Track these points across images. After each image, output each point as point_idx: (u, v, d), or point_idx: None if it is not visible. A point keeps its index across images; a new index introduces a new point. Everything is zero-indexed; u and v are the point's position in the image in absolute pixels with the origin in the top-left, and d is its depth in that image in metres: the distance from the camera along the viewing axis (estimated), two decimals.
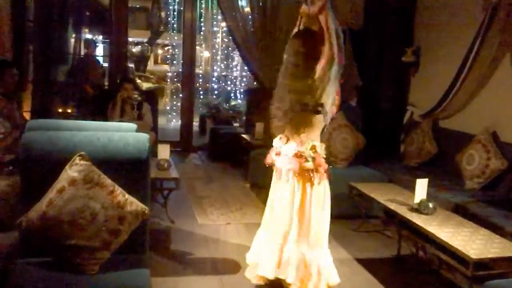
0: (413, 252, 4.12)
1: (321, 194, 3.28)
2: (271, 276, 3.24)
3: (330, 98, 3.25)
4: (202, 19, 11.45)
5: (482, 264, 3.08)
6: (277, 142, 3.48)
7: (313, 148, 3.24)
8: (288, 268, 3.21)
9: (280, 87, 3.40)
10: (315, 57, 3.23)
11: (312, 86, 3.22)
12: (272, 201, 3.48)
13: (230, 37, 8.92)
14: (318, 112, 3.24)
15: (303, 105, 3.24)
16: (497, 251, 3.10)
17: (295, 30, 3.49)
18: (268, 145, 5.41)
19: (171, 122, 11.59)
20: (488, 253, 3.07)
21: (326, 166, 3.29)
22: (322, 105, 3.23)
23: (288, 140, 3.37)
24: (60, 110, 7.44)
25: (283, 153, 3.35)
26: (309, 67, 3.24)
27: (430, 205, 3.74)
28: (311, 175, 3.25)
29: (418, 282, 3.77)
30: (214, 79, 12.03)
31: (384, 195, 4.27)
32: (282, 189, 3.34)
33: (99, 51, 11.09)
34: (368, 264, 3.92)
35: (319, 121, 3.29)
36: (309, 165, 3.23)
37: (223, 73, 12.02)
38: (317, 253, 3.26)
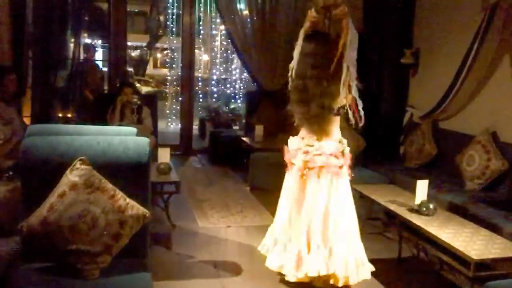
0: (414, 254, 4.12)
1: (349, 187, 3.49)
2: (324, 272, 3.33)
3: (358, 101, 3.48)
4: (201, 23, 11.45)
5: (483, 264, 3.08)
6: (297, 142, 3.56)
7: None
8: (336, 262, 3.35)
9: (298, 91, 3.49)
10: (331, 58, 3.34)
11: (332, 88, 3.36)
12: (296, 200, 3.52)
13: (229, 40, 8.92)
14: (339, 114, 3.47)
15: (328, 109, 3.41)
16: (498, 252, 3.10)
17: (303, 34, 3.52)
18: (268, 148, 5.47)
19: (171, 126, 11.60)
20: (489, 254, 3.07)
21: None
22: (344, 106, 3.44)
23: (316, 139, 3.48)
24: (60, 115, 7.44)
25: (316, 152, 3.43)
26: (327, 67, 3.35)
27: (431, 206, 3.74)
28: (342, 170, 3.45)
29: (419, 283, 3.77)
30: (213, 82, 12.03)
31: (385, 197, 4.27)
32: (314, 186, 3.42)
33: (99, 55, 11.10)
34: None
35: (338, 121, 3.52)
36: (341, 161, 3.45)
37: (222, 76, 12.02)
38: (356, 244, 3.49)
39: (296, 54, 3.58)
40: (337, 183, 3.44)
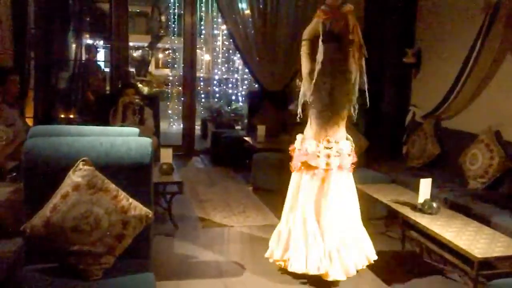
0: (417, 253, 4.11)
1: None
2: (360, 265, 3.61)
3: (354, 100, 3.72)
4: (202, 23, 11.46)
5: (486, 263, 3.08)
6: (313, 145, 3.64)
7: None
8: (367, 251, 3.66)
9: (321, 90, 3.63)
10: (349, 59, 3.62)
11: (350, 85, 3.63)
12: (316, 201, 3.62)
13: (231, 40, 8.93)
14: (350, 111, 3.71)
15: (343, 105, 3.67)
16: (501, 250, 3.10)
17: (319, 35, 3.65)
18: (270, 148, 5.47)
19: (173, 126, 11.60)
20: (492, 252, 3.06)
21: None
22: (353, 105, 3.71)
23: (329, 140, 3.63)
24: (62, 116, 7.46)
25: (336, 154, 3.60)
26: (346, 64, 3.62)
27: (434, 204, 3.74)
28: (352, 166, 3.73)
29: (423, 282, 3.76)
30: (215, 82, 12.03)
31: (388, 196, 4.27)
32: (336, 185, 3.60)
33: (100, 56, 11.12)
34: (372, 265, 3.91)
35: (346, 118, 3.78)
36: (353, 158, 3.72)
37: (224, 76, 12.02)
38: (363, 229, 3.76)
39: (305, 54, 3.70)
40: (350, 178, 3.71)
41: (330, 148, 3.58)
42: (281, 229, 3.74)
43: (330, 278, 3.45)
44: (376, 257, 3.69)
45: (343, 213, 3.61)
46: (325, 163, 3.56)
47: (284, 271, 3.71)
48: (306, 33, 3.71)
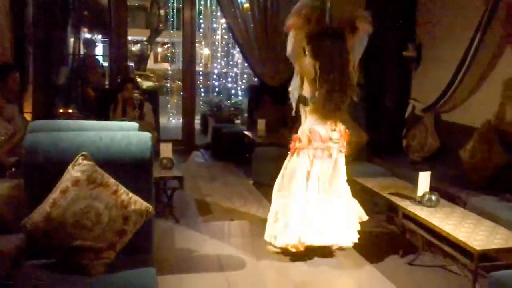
0: (417, 246, 4.12)
1: None
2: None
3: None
4: (201, 16, 11.43)
5: (486, 255, 3.09)
6: (323, 129, 3.85)
7: None
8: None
9: (327, 84, 3.77)
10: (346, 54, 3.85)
11: (351, 78, 3.87)
12: (328, 181, 3.89)
13: (230, 34, 8.90)
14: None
15: (346, 97, 3.89)
16: (500, 242, 3.11)
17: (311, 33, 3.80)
18: (270, 142, 5.49)
19: (172, 121, 11.58)
20: (491, 244, 3.07)
21: None
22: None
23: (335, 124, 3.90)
24: (61, 111, 7.45)
25: (339, 135, 3.90)
26: (346, 61, 3.85)
27: (433, 197, 3.75)
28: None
29: (423, 275, 3.77)
30: (214, 76, 12.00)
31: (387, 189, 4.27)
32: (341, 165, 3.98)
33: (99, 50, 11.09)
34: (372, 258, 3.93)
35: None
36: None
37: (223, 70, 11.99)
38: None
39: (300, 52, 3.81)
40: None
41: (335, 130, 3.86)
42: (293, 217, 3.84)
43: (344, 246, 3.91)
44: (366, 217, 4.07)
45: (346, 188, 3.99)
46: (339, 143, 3.85)
47: (292, 257, 3.85)
48: (297, 34, 3.81)
